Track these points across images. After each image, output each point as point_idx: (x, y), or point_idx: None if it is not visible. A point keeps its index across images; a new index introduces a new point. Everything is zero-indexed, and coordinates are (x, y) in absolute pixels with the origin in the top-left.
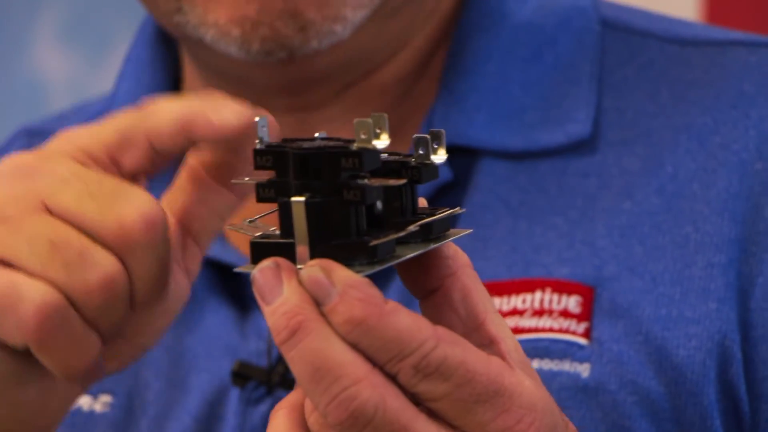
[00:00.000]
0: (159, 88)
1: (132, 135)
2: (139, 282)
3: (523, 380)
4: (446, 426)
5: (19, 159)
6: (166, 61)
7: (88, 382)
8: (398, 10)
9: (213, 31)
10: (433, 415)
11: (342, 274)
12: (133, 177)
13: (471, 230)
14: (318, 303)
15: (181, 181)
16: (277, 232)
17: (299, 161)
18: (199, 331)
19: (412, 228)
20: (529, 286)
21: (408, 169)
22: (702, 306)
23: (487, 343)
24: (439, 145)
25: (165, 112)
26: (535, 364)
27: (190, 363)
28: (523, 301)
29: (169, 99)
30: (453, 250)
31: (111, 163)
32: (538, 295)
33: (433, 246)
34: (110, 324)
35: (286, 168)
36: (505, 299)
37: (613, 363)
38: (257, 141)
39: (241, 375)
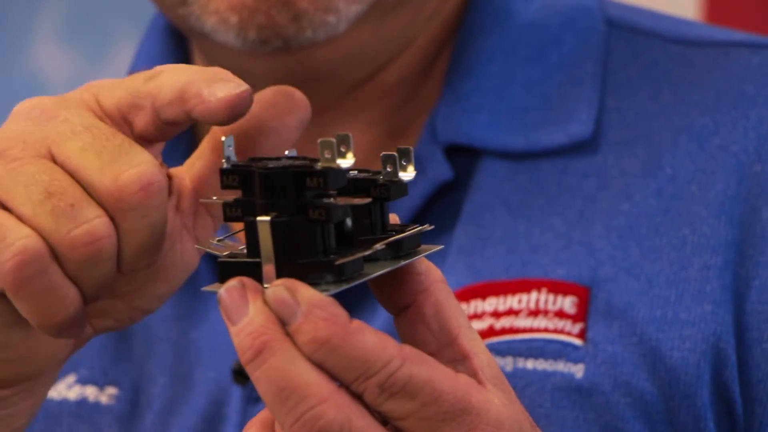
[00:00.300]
0: None
1: (140, 98)
2: (128, 246)
3: (492, 398)
4: None
5: (38, 101)
6: (177, 56)
7: (68, 336)
8: (397, 7)
9: (213, 19)
10: None
11: (307, 293)
12: (143, 140)
13: (442, 246)
14: (283, 323)
15: (203, 146)
16: (245, 251)
17: (265, 180)
18: (204, 326)
19: (378, 246)
20: (525, 287)
21: (376, 186)
22: (697, 308)
23: (460, 359)
24: (408, 162)
25: (168, 80)
26: (530, 364)
27: (195, 358)
28: (519, 301)
29: (178, 66)
30: (425, 266)
31: (123, 122)
32: (534, 295)
33: (402, 263)
34: (93, 282)
35: (253, 187)
36: (501, 299)
37: (607, 364)
38: (224, 160)
39: (242, 373)
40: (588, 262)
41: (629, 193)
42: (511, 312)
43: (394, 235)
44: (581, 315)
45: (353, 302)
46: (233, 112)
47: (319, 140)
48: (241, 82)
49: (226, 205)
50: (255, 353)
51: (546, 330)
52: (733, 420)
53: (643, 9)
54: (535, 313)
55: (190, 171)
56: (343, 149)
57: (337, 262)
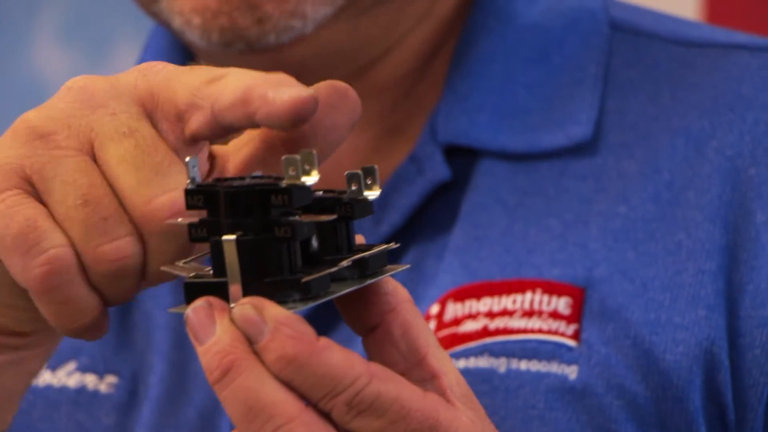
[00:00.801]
0: None
1: (200, 99)
2: (154, 262)
3: (460, 415)
4: None
5: (90, 81)
6: (183, 52)
7: (87, 338)
8: (372, 8)
9: (179, 20)
10: None
11: (273, 311)
12: (194, 139)
13: (408, 266)
14: (250, 341)
15: (253, 134)
16: (211, 272)
17: (230, 199)
18: None
19: (344, 263)
20: (519, 287)
21: (341, 205)
22: (691, 313)
23: (429, 378)
24: (373, 181)
25: (231, 83)
26: (523, 365)
27: (192, 349)
28: (514, 302)
29: (242, 70)
30: (393, 286)
31: (177, 120)
32: (528, 295)
33: (368, 282)
34: (116, 292)
35: (218, 207)
36: (496, 299)
37: (600, 366)
38: (188, 181)
39: None
40: (583, 263)
41: (626, 196)
42: (505, 312)
43: (358, 254)
44: (575, 316)
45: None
46: (298, 115)
47: (283, 157)
48: (305, 87)
49: (192, 226)
50: (222, 372)
51: (540, 331)
52: (725, 424)
53: (647, 10)
54: (529, 313)
55: (235, 156)
56: (307, 167)
57: (303, 280)
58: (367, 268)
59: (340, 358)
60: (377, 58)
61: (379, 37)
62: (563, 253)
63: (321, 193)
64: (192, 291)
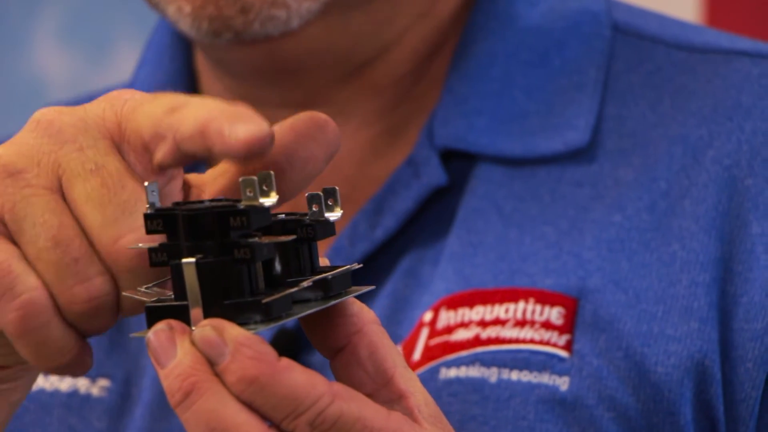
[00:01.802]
0: (177, 74)
1: (162, 129)
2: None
3: None
4: None
5: (57, 115)
6: (184, 50)
7: (70, 375)
8: (363, 4)
9: (172, 8)
10: None
11: (233, 332)
12: (161, 168)
13: (372, 287)
14: (212, 363)
15: (226, 166)
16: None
17: (188, 222)
18: None
19: (305, 283)
20: (512, 296)
21: (303, 227)
22: (684, 325)
23: (396, 398)
24: (334, 202)
25: (191, 115)
26: (514, 375)
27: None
28: (506, 311)
29: (202, 101)
30: (358, 308)
31: (143, 150)
32: (521, 305)
33: (331, 303)
34: (93, 328)
35: (177, 231)
36: (488, 308)
37: (591, 378)
38: (147, 206)
39: None
40: (577, 273)
41: (622, 205)
42: (497, 321)
43: (323, 275)
44: (568, 326)
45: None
46: (252, 152)
47: (240, 179)
48: (263, 122)
49: (152, 251)
50: (184, 395)
51: (532, 341)
52: None
53: (651, 13)
54: (521, 323)
55: (211, 185)
56: (265, 188)
57: (264, 301)
58: (331, 290)
59: (302, 379)
60: (374, 56)
61: (373, 35)
62: (557, 262)
63: (284, 216)
64: (153, 315)
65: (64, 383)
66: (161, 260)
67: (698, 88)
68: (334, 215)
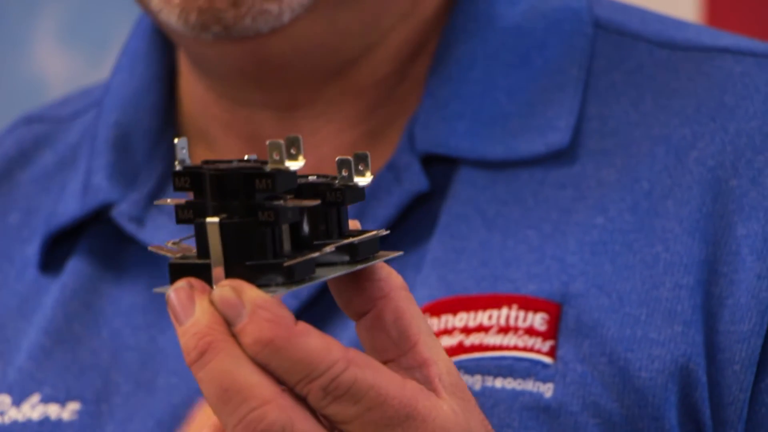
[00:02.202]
0: (153, 79)
1: None
2: None
3: (440, 405)
4: None
5: None
6: (162, 53)
7: None
8: (351, 1)
9: (157, 0)
10: None
11: (252, 294)
12: None
13: (400, 252)
14: (229, 323)
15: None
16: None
17: (215, 182)
18: (171, 331)
19: (328, 249)
20: (495, 302)
21: (332, 191)
22: (667, 329)
23: (418, 366)
24: (365, 167)
25: None
26: (498, 383)
27: (160, 364)
28: (489, 317)
29: None
30: (387, 273)
31: None
32: (504, 311)
33: (356, 268)
34: None
35: (204, 189)
36: (471, 315)
37: (576, 384)
38: (176, 162)
39: None
40: (560, 278)
41: (604, 207)
42: (481, 328)
43: (349, 240)
44: (551, 332)
45: (326, 313)
46: None
47: (267, 142)
48: None
49: (179, 207)
50: (199, 354)
51: (516, 348)
52: None
53: (633, 8)
54: (505, 330)
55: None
56: (293, 151)
57: (286, 264)
58: (357, 254)
59: (318, 344)
60: (358, 55)
61: (359, 33)
62: (540, 267)
63: (315, 177)
64: (176, 272)
65: (35, 412)
66: (187, 217)
67: (680, 86)
68: (363, 180)
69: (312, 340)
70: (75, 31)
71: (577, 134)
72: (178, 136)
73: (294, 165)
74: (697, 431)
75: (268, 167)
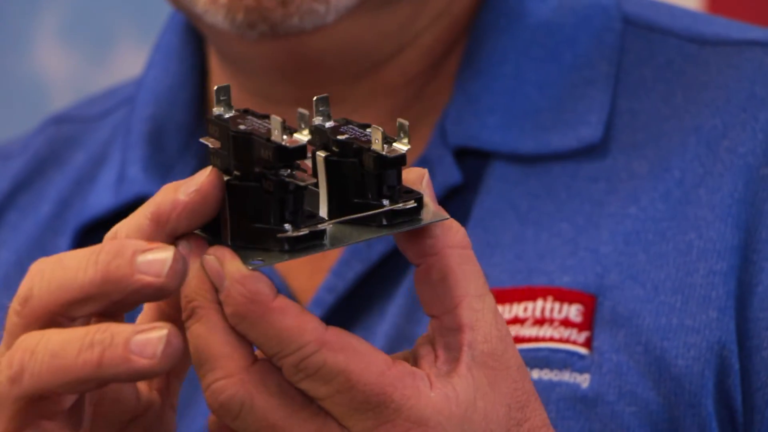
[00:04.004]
0: (186, 75)
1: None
2: None
3: (425, 393)
4: (336, 424)
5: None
6: (194, 49)
7: None
8: (392, 2)
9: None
10: (323, 414)
11: (231, 267)
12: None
13: (447, 218)
14: (217, 289)
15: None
16: None
17: (232, 141)
18: None
19: (333, 221)
20: (530, 295)
21: (366, 156)
22: (702, 315)
23: (454, 329)
24: (404, 134)
25: None
26: (535, 374)
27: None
28: (525, 310)
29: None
30: (442, 231)
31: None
32: (539, 303)
33: (383, 234)
34: None
35: (227, 143)
36: (507, 307)
37: (612, 373)
38: (214, 109)
39: None
40: (594, 269)
41: (636, 197)
42: (516, 320)
43: (383, 206)
44: (587, 323)
45: (364, 305)
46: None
47: (271, 117)
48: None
49: (212, 153)
50: (186, 316)
51: (551, 339)
52: (735, 428)
53: (661, 4)
54: (540, 321)
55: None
56: (302, 125)
57: (279, 235)
58: (395, 218)
59: (291, 323)
60: (391, 55)
61: (395, 34)
62: (574, 259)
63: (355, 128)
64: None
65: None
66: (215, 164)
67: (710, 80)
68: (401, 147)
69: (286, 319)
70: (75, 30)
71: (608, 129)
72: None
73: (301, 139)
74: (730, 417)
75: (272, 138)
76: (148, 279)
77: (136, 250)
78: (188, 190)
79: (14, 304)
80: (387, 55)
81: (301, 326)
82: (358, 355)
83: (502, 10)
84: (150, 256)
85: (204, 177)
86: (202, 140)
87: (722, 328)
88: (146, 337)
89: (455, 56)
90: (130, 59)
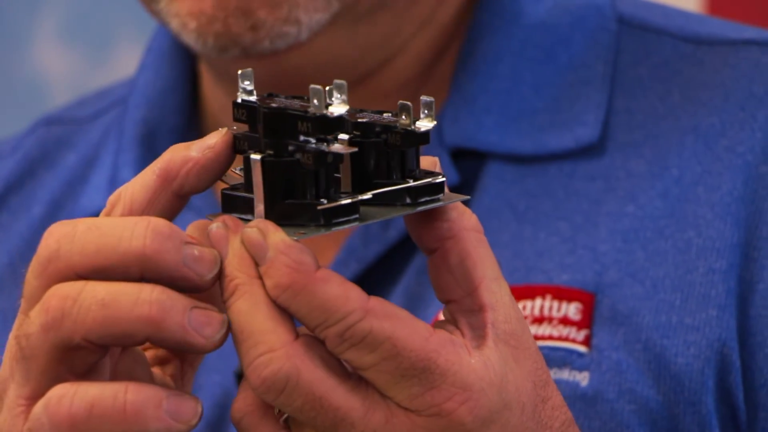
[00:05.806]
0: (177, 80)
1: None
2: None
3: (466, 360)
4: (379, 395)
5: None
6: (185, 54)
7: None
8: (370, 15)
9: (175, 22)
10: (365, 385)
11: (275, 238)
12: None
13: (467, 197)
14: (257, 263)
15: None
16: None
17: (264, 119)
18: None
19: (361, 196)
20: (529, 293)
21: (393, 134)
22: (702, 313)
23: (476, 310)
24: (429, 112)
25: None
26: None
27: (203, 362)
28: (523, 308)
29: None
30: (458, 214)
31: None
32: (538, 302)
33: (407, 212)
34: None
35: (257, 124)
36: None
37: (611, 371)
38: (239, 92)
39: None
40: (593, 268)
41: (635, 195)
42: None
43: (407, 183)
44: (586, 321)
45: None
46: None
47: (310, 86)
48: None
49: (237, 138)
50: (228, 294)
51: (551, 337)
52: (737, 426)
53: (655, 4)
54: (539, 320)
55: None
56: (338, 95)
57: (319, 207)
58: (418, 197)
59: (336, 292)
60: (380, 64)
61: (379, 45)
62: (573, 257)
63: (384, 114)
64: (226, 202)
65: None
66: (242, 149)
67: (707, 79)
68: (425, 125)
69: (330, 288)
70: (76, 30)
71: (605, 128)
72: (202, 135)
73: (336, 110)
74: (732, 415)
75: (309, 111)
76: (191, 274)
77: (184, 240)
78: (202, 146)
79: (33, 267)
80: (375, 65)
81: (345, 294)
82: (402, 322)
83: (497, 10)
84: (197, 252)
85: (219, 136)
86: (229, 129)
87: (722, 326)
88: (207, 315)
89: (449, 58)
90: (130, 59)
